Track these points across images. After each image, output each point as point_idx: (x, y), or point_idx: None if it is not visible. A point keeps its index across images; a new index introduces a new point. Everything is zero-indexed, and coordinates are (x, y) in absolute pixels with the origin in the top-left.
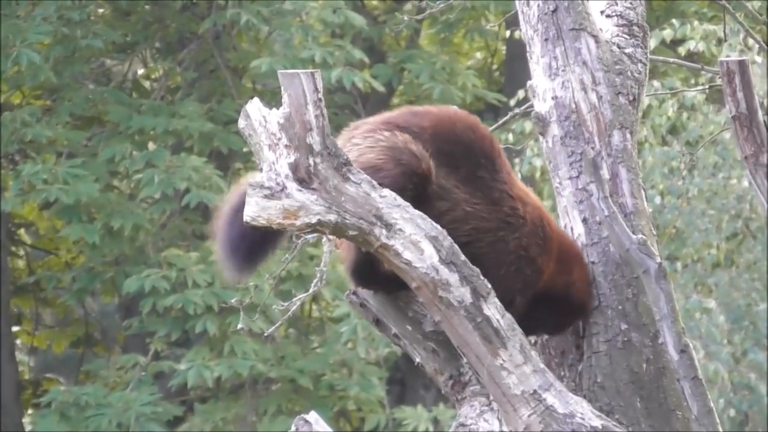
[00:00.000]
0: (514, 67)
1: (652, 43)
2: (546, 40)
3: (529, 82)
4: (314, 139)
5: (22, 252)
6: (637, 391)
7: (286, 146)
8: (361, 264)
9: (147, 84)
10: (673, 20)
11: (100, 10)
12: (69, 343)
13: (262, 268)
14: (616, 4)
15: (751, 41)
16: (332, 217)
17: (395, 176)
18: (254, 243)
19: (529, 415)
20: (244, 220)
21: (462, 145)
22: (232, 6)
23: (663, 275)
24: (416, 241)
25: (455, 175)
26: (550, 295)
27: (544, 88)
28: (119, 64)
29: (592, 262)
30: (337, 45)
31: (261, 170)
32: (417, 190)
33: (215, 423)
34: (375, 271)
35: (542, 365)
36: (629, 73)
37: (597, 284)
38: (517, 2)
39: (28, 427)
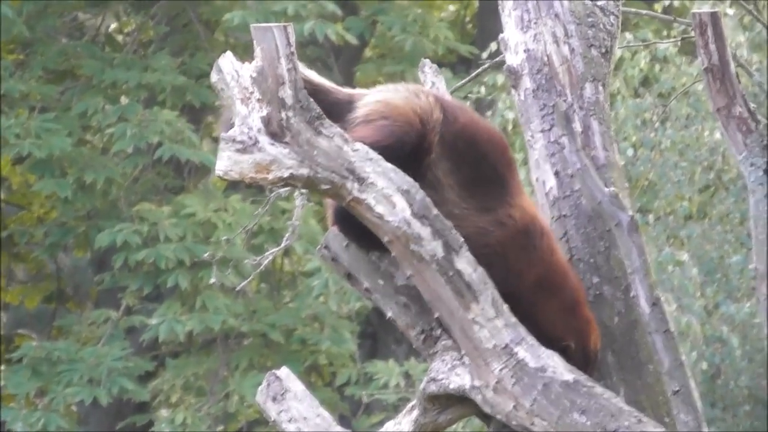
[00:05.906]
0: (486, 20)
1: None
2: None
3: (501, 35)
4: (287, 93)
5: None
6: (609, 345)
7: (258, 100)
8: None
9: (120, 38)
10: None
11: None
12: (41, 299)
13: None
14: None
15: None
16: (305, 171)
17: (407, 114)
18: None
19: (500, 369)
20: (216, 174)
21: (476, 152)
22: None
23: (635, 228)
24: (388, 195)
25: (456, 175)
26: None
27: (516, 41)
28: (92, 18)
29: (564, 216)
30: None
31: (233, 124)
32: (418, 143)
33: (187, 378)
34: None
35: (514, 319)
36: (601, 26)
37: (569, 237)
38: None
39: None
